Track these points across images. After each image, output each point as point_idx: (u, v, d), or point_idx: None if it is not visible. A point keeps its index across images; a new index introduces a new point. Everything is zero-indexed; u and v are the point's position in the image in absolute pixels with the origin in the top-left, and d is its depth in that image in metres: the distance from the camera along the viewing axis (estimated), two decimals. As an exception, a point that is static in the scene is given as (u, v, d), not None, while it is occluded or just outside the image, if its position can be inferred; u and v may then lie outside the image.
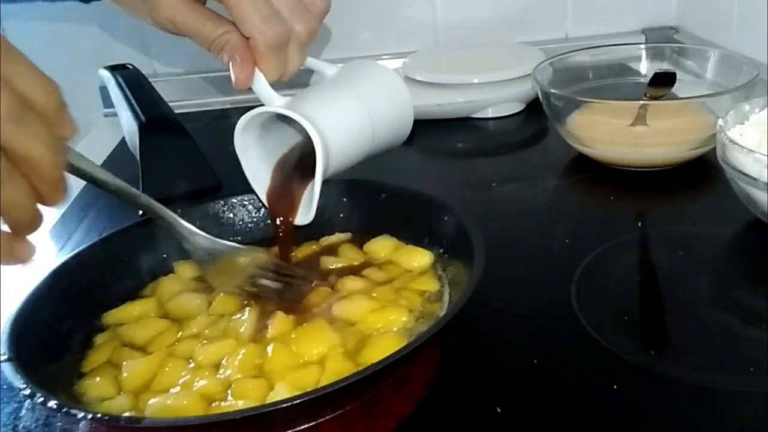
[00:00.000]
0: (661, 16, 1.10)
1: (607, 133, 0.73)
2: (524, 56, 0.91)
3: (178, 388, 0.45)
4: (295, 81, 0.55)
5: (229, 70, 0.51)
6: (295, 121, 0.52)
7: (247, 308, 0.52)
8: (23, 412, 0.48)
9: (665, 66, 0.85)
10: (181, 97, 1.05)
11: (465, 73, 0.90)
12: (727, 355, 0.48)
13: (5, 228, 0.39)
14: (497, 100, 0.90)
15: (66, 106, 0.39)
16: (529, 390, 0.46)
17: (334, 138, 0.53)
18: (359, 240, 0.60)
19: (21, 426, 0.47)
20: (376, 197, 0.61)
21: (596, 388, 0.45)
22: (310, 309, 0.52)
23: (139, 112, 0.78)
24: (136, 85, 0.83)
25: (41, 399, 0.40)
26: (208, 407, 0.43)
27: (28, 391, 0.40)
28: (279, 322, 0.49)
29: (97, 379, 0.47)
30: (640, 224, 0.65)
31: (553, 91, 0.75)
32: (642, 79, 0.84)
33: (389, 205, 0.60)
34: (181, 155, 0.77)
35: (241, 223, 0.63)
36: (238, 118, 0.54)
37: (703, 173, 0.72)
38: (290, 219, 0.57)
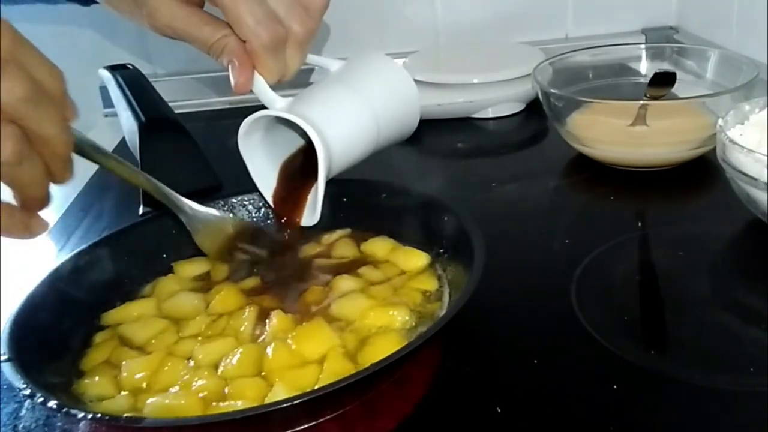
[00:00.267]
0: (661, 16, 1.10)
1: (607, 133, 0.72)
2: (524, 56, 0.91)
3: (177, 388, 0.45)
4: (297, 81, 0.55)
5: (228, 74, 0.51)
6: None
7: (247, 307, 0.52)
8: (23, 412, 0.48)
9: (665, 66, 0.85)
10: (181, 97, 1.05)
11: (465, 73, 0.90)
12: (727, 354, 0.48)
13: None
14: (497, 100, 0.90)
15: (67, 91, 0.42)
16: (529, 390, 0.46)
17: (337, 138, 0.53)
18: (357, 238, 0.60)
19: (21, 426, 0.47)
20: (376, 197, 0.61)
21: (596, 388, 0.45)
22: (309, 308, 0.52)
23: (139, 112, 0.78)
24: (136, 85, 0.83)
25: (41, 399, 0.40)
26: (206, 407, 0.43)
27: (28, 391, 0.40)
28: (278, 321, 0.49)
29: (97, 378, 0.47)
30: (640, 224, 0.65)
31: (553, 91, 0.75)
32: (642, 79, 0.84)
33: (389, 205, 0.60)
34: (181, 155, 0.77)
35: (241, 223, 0.63)
36: (239, 118, 0.55)
37: (703, 173, 0.72)
38: (297, 220, 0.57)
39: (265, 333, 0.49)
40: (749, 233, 0.61)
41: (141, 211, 0.71)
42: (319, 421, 0.43)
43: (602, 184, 0.73)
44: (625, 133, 0.71)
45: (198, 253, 0.59)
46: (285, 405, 0.38)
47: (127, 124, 0.81)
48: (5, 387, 0.49)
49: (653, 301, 0.55)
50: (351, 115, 0.55)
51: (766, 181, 0.54)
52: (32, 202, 0.42)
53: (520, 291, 0.56)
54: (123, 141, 0.87)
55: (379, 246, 0.58)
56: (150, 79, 0.86)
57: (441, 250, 0.56)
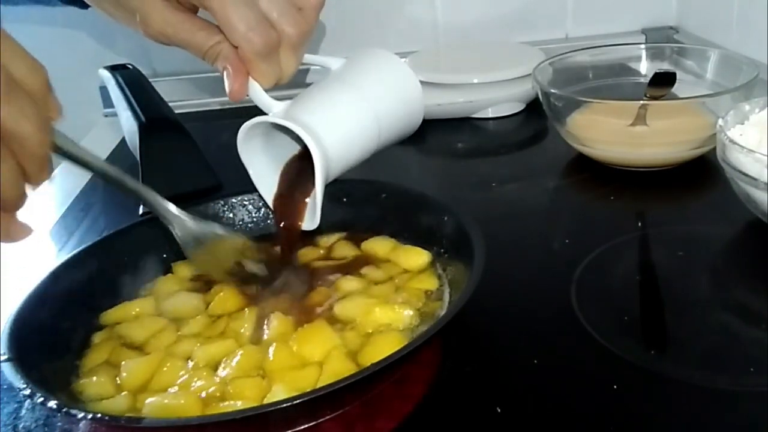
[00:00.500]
0: (661, 16, 1.10)
1: (607, 133, 0.72)
2: (524, 56, 0.91)
3: (176, 388, 0.45)
4: (296, 80, 0.55)
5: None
6: None
7: (246, 309, 0.52)
8: (23, 412, 0.48)
9: (665, 66, 0.85)
10: (181, 97, 1.05)
11: (465, 73, 0.90)
12: (727, 355, 0.48)
13: None
14: (497, 100, 0.90)
15: (52, 89, 0.40)
16: (529, 390, 0.46)
17: (336, 142, 0.52)
18: (357, 239, 0.60)
19: (21, 426, 0.47)
20: (376, 197, 0.61)
21: (596, 388, 0.45)
22: (309, 309, 0.52)
23: (139, 112, 0.78)
24: (136, 85, 0.83)
25: (41, 399, 0.40)
26: (205, 407, 0.43)
27: (28, 391, 0.40)
28: (278, 322, 0.49)
29: (96, 378, 0.47)
30: (640, 224, 0.65)
31: (553, 91, 0.75)
32: (642, 79, 0.84)
33: (389, 205, 0.60)
34: (181, 155, 0.77)
35: (241, 223, 0.63)
36: (238, 119, 0.54)
37: (703, 173, 0.72)
38: (298, 224, 0.57)
39: (266, 335, 0.49)
40: (749, 233, 0.61)
41: (141, 211, 0.71)
42: (319, 421, 0.43)
43: (602, 184, 0.73)
44: (625, 133, 0.71)
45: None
46: (285, 405, 0.38)
47: (127, 124, 0.81)
48: (5, 387, 0.49)
49: (653, 301, 0.55)
50: (350, 116, 0.54)
51: (766, 181, 0.54)
52: (5, 203, 0.40)
53: (520, 291, 0.56)
54: (123, 141, 0.87)
55: (379, 245, 0.58)
56: (150, 79, 0.86)
57: (441, 250, 0.56)
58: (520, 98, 0.91)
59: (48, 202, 0.82)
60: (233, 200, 0.63)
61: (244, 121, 0.54)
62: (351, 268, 0.56)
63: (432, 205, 0.57)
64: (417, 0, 1.07)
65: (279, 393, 0.43)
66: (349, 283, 0.54)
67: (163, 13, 0.49)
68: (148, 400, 0.44)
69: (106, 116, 1.05)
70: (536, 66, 0.80)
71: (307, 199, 0.57)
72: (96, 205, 0.78)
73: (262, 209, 0.63)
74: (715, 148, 0.60)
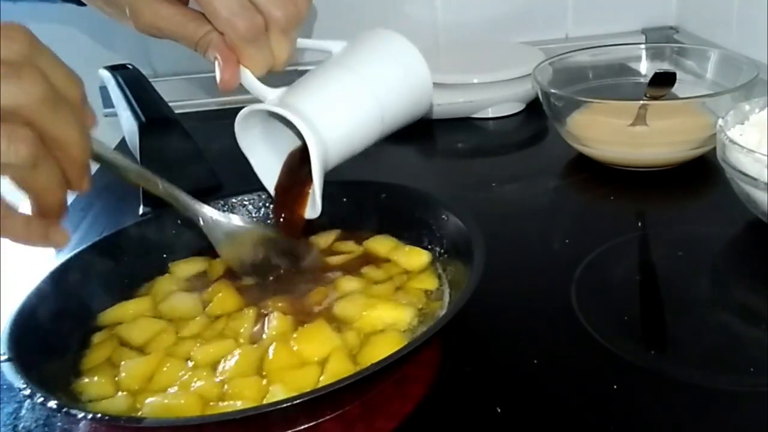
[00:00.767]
0: (661, 16, 1.10)
1: (607, 133, 0.72)
2: (524, 56, 0.91)
3: (176, 388, 0.45)
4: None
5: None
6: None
7: (246, 308, 0.52)
8: (23, 412, 0.48)
9: (665, 66, 0.85)
10: (181, 97, 1.05)
11: (465, 73, 0.90)
12: (727, 355, 0.48)
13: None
14: (497, 100, 0.90)
15: (87, 99, 0.42)
16: (529, 390, 0.46)
17: (334, 129, 0.51)
18: (357, 238, 0.60)
19: (21, 426, 0.47)
20: (376, 197, 0.61)
21: (596, 388, 0.45)
22: (311, 309, 0.52)
23: (139, 112, 0.78)
24: (136, 85, 0.83)
25: (41, 399, 0.40)
26: (205, 407, 0.43)
27: (28, 391, 0.40)
28: (278, 322, 0.49)
29: (95, 378, 0.47)
30: (640, 224, 0.65)
31: (553, 91, 0.75)
32: (642, 79, 0.84)
33: (389, 205, 0.60)
34: (181, 155, 0.77)
35: (241, 223, 0.63)
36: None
37: (703, 173, 0.72)
38: (300, 213, 0.56)
39: (265, 334, 0.49)
40: (749, 233, 0.61)
41: (141, 211, 0.71)
42: (319, 421, 0.43)
43: (602, 184, 0.73)
44: (625, 133, 0.71)
45: (197, 253, 0.59)
46: (285, 405, 0.38)
47: (127, 124, 0.81)
48: (5, 387, 0.49)
49: (653, 301, 0.55)
50: (348, 99, 0.52)
51: (766, 181, 0.54)
52: (48, 209, 0.41)
53: (520, 291, 0.56)
54: (123, 141, 0.87)
55: (380, 244, 0.58)
56: (150, 79, 0.86)
57: (441, 250, 0.56)
58: (520, 98, 0.91)
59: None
60: (233, 200, 0.63)
61: (245, 121, 0.54)
62: (351, 267, 0.56)
63: (432, 205, 0.57)
64: (417, 0, 1.07)
65: (278, 393, 0.43)
66: (348, 282, 0.54)
67: (153, 6, 0.49)
68: (148, 400, 0.44)
69: (106, 116, 1.05)
70: (536, 66, 0.80)
71: (309, 188, 0.56)
72: (96, 205, 0.78)
73: (263, 209, 0.63)
74: (715, 148, 0.60)
